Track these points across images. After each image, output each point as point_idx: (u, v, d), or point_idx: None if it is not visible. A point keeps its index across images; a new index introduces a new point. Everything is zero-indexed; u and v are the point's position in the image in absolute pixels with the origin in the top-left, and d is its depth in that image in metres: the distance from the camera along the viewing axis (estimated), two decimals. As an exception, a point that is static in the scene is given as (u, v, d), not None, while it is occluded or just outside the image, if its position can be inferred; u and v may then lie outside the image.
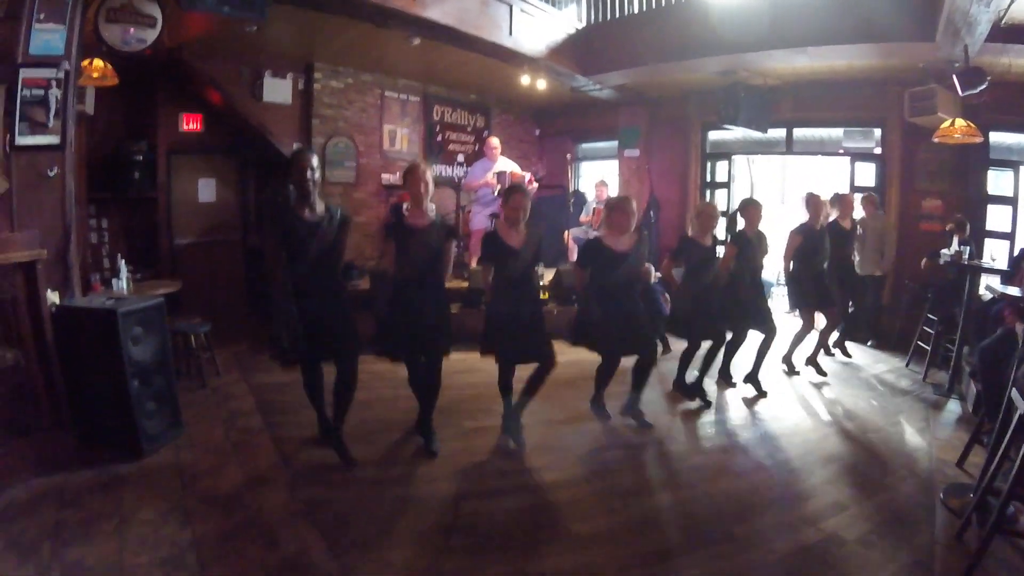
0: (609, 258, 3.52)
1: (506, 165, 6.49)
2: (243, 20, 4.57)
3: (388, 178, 6.93)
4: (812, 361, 5.00)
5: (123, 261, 4.26)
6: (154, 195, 5.95)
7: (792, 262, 4.79)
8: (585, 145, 8.89)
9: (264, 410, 3.81)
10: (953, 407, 4.28)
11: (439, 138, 7.68)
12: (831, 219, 5.19)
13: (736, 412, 4.15)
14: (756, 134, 6.85)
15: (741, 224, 4.42)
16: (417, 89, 7.40)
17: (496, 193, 6.32)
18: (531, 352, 3.34)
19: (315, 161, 2.99)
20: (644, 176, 7.80)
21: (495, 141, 6.51)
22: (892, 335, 5.80)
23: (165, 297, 4.84)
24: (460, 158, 7.92)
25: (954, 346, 4.59)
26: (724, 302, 4.25)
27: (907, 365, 5.20)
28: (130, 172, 5.69)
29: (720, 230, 5.34)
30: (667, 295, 4.11)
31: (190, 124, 6.33)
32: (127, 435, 3.08)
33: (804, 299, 4.80)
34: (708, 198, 7.63)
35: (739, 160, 7.79)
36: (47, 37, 3.21)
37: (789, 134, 7.03)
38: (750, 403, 4.28)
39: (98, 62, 4.27)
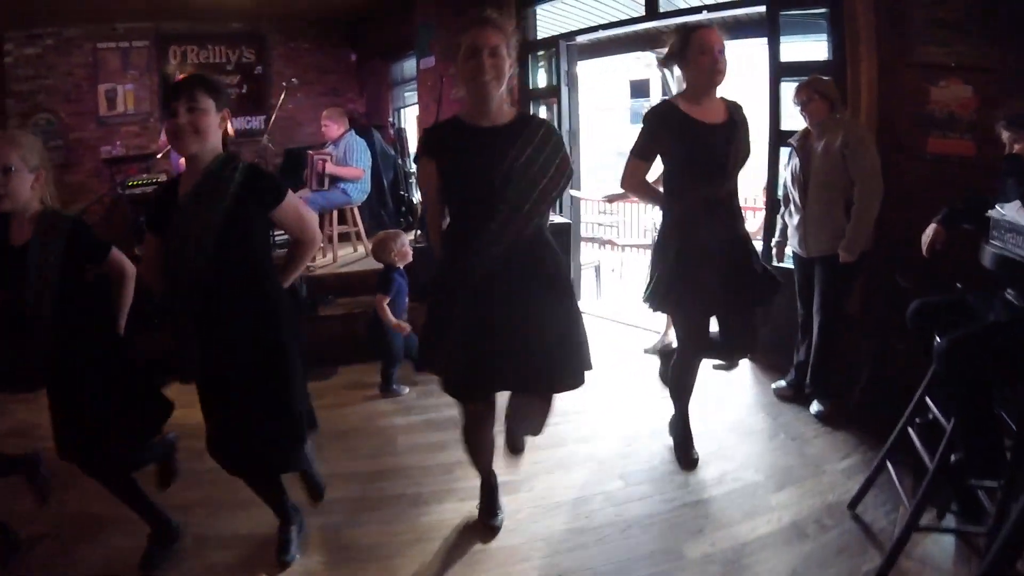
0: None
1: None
2: None
3: (109, 151, 5.77)
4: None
5: None
6: None
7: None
8: (405, 64, 6.66)
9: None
10: None
11: (183, 88, 6.20)
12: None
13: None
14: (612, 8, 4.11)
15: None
16: (145, 31, 5.97)
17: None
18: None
19: None
20: (438, 92, 5.51)
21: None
22: (853, 392, 2.75)
23: None
24: (227, 108, 6.41)
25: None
26: None
27: (852, 507, 2.04)
28: None
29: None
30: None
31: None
32: None
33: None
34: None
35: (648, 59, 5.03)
36: None
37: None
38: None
39: None
